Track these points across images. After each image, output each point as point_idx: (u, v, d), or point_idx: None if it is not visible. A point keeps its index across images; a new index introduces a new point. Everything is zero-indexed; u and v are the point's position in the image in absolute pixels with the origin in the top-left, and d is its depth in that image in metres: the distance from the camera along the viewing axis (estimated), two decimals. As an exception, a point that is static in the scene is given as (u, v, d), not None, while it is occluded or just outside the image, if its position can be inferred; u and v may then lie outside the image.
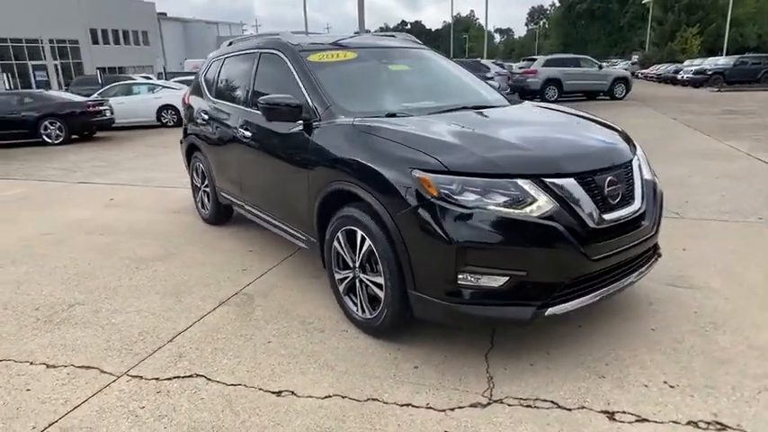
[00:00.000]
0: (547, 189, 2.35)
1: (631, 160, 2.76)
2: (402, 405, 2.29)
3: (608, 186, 2.51)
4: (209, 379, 2.54)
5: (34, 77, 36.38)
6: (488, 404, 2.27)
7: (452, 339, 2.78)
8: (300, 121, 3.17)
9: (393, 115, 3.03)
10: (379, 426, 2.16)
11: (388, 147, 2.61)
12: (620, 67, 28.07)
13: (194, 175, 5.22)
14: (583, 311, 2.80)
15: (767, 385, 2.32)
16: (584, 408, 2.22)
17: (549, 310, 2.36)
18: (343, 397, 2.36)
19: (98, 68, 31.57)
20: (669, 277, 3.45)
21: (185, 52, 55.06)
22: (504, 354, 2.66)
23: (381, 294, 2.67)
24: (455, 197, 2.32)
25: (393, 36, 4.47)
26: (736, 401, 2.22)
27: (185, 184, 5.88)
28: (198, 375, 2.58)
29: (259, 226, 4.22)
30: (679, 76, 28.03)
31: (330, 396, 2.37)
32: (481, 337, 2.80)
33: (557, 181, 2.38)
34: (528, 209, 2.30)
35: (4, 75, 33.25)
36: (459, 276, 2.32)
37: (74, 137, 12.85)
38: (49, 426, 2.24)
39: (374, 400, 2.33)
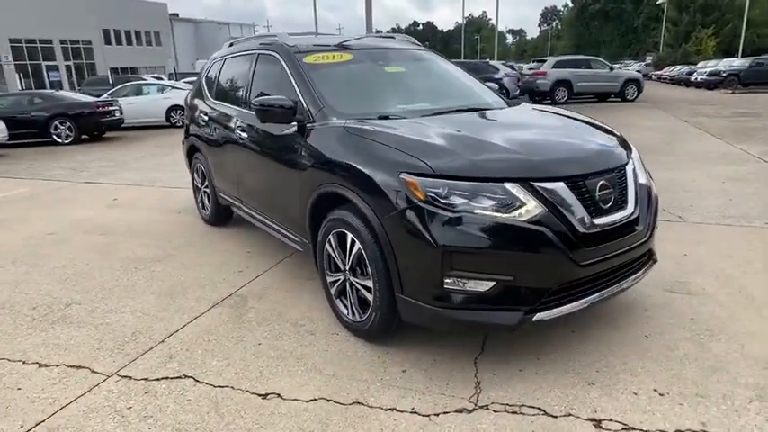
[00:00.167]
0: (536, 193, 2.33)
1: (625, 164, 2.72)
2: (387, 409, 2.28)
3: (599, 191, 2.48)
4: (198, 380, 2.55)
5: (48, 78, 36.90)
6: (473, 410, 2.25)
7: (443, 343, 2.77)
8: (294, 123, 3.17)
9: (386, 117, 3.02)
10: (362, 430, 2.15)
11: (376, 149, 2.61)
12: (632, 69, 27.76)
13: (195, 175, 5.26)
14: (576, 317, 2.78)
15: (759, 394, 2.28)
16: (570, 415, 2.19)
17: (537, 316, 2.33)
18: (328, 400, 2.35)
19: (110, 69, 31.94)
20: (667, 283, 3.41)
21: (197, 53, 55.46)
22: (493, 358, 2.63)
23: (370, 297, 2.66)
24: (442, 201, 2.30)
25: (392, 37, 4.46)
26: (726, 411, 2.18)
27: (189, 185, 5.91)
28: (186, 376, 2.58)
29: (259, 227, 4.23)
30: (693, 78, 27.68)
31: (315, 399, 2.36)
32: (472, 341, 2.78)
33: (546, 185, 2.35)
34: (516, 213, 2.28)
35: (17, 75, 33.71)
36: (446, 281, 2.30)
37: (83, 137, 13.01)
38: (36, 425, 2.26)
39: (359, 403, 2.32)
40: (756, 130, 10.67)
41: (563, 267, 2.33)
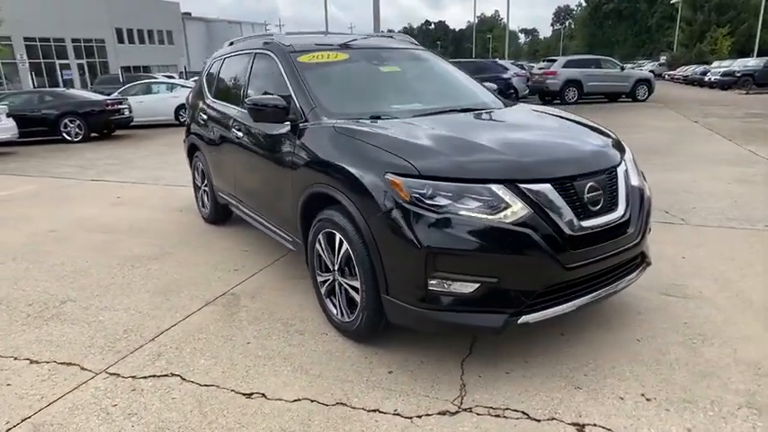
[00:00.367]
0: (522, 195, 2.30)
1: (616, 166, 2.68)
2: (370, 411, 2.27)
3: (588, 192, 2.45)
4: (184, 379, 2.56)
5: (61, 76, 37.35)
6: (456, 412, 2.23)
7: (431, 345, 2.75)
8: (287, 123, 3.17)
9: (378, 117, 3.01)
10: (343, 431, 2.14)
11: (363, 150, 2.60)
12: (645, 69, 27.44)
13: (195, 174, 5.29)
14: (568, 319, 2.76)
15: (749, 401, 2.23)
16: (554, 419, 2.17)
17: (523, 319, 2.30)
18: (311, 401, 2.35)
19: (122, 67, 32.23)
20: (663, 286, 3.36)
21: (208, 51, 55.38)
22: (481, 361, 2.61)
23: (358, 298, 2.65)
24: (426, 201, 2.28)
25: (391, 37, 4.44)
26: (712, 417, 2.14)
27: (191, 183, 5.92)
28: (173, 375, 2.59)
29: (255, 226, 4.23)
30: (706, 78, 27.32)
31: (299, 399, 2.36)
32: (460, 343, 2.76)
33: (532, 186, 2.33)
34: (501, 215, 2.26)
35: (30, 73, 34.15)
36: (430, 282, 2.29)
37: (93, 135, 13.13)
38: (22, 421, 2.28)
39: (342, 404, 2.31)
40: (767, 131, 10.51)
41: (549, 270, 2.30)
